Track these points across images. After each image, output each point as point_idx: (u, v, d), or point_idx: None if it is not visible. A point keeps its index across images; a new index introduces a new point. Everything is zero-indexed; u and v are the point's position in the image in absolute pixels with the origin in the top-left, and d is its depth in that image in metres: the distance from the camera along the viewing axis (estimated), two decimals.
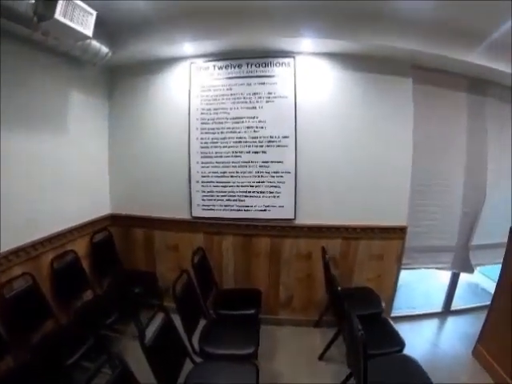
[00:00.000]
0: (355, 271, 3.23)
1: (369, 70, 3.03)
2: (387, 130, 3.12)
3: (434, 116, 3.30)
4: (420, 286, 4.34)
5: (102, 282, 3.16)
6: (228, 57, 3.10)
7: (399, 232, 3.16)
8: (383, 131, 3.11)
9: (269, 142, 3.16)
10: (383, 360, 2.03)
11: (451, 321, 3.75)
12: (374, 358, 1.90)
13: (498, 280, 2.91)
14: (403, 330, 3.23)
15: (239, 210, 3.25)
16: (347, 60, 2.98)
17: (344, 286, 3.03)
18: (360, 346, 1.71)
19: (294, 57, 3.07)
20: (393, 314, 3.58)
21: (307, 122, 3.09)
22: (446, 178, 3.41)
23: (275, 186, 3.16)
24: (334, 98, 3.09)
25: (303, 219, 3.11)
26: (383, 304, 2.77)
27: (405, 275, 4.12)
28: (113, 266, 3.34)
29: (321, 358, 2.86)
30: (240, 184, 3.23)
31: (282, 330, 3.34)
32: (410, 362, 2.03)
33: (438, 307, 3.86)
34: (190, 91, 3.19)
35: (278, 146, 3.16)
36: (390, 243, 3.18)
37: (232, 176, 3.24)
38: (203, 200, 3.30)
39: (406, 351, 2.32)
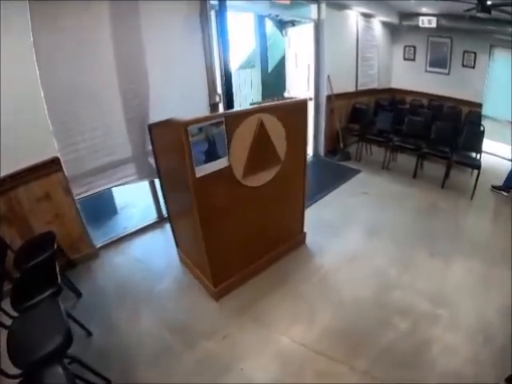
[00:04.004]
0: (30, 220, 2.75)
1: None
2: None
3: (68, 29, 2.65)
4: (140, 203, 4.12)
5: None
6: None
7: (52, 165, 2.75)
8: None
9: None
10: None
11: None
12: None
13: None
14: (110, 256, 3.22)
15: None
16: None
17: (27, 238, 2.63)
18: None
19: None
20: (102, 243, 3.33)
21: None
22: (98, 89, 2.89)
23: None
24: None
25: None
26: (55, 245, 2.47)
27: (124, 197, 4.01)
28: None
29: None
30: None
31: None
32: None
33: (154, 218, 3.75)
34: None
35: None
36: (48, 179, 2.76)
37: None
38: None
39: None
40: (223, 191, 2.23)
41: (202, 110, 3.57)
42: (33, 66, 2.50)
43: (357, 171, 4.98)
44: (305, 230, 3.16)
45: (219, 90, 3.67)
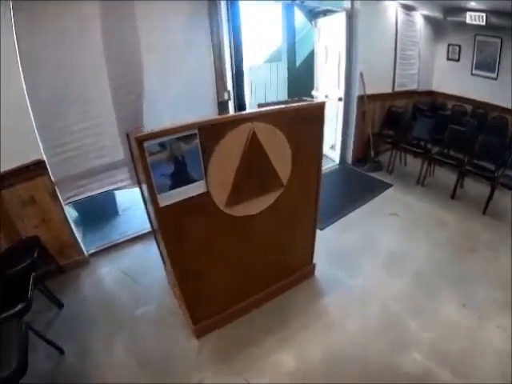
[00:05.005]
0: (17, 224, 2.62)
1: None
2: None
3: (54, 25, 2.44)
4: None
5: None
6: None
7: (37, 168, 2.57)
8: None
9: None
10: None
11: None
12: None
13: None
14: (100, 265, 3.00)
15: None
16: None
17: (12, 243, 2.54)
18: None
19: None
20: (95, 249, 3.17)
21: None
22: (86, 89, 2.68)
23: None
24: None
25: None
26: (35, 253, 2.35)
27: (129, 197, 3.70)
28: None
29: None
30: None
31: None
32: None
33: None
34: None
35: None
36: (33, 183, 2.58)
37: None
38: None
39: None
40: (201, 222, 1.79)
41: (209, 109, 3.19)
42: (15, 65, 2.29)
43: (387, 185, 4.40)
44: (316, 258, 2.67)
45: (229, 86, 3.25)
